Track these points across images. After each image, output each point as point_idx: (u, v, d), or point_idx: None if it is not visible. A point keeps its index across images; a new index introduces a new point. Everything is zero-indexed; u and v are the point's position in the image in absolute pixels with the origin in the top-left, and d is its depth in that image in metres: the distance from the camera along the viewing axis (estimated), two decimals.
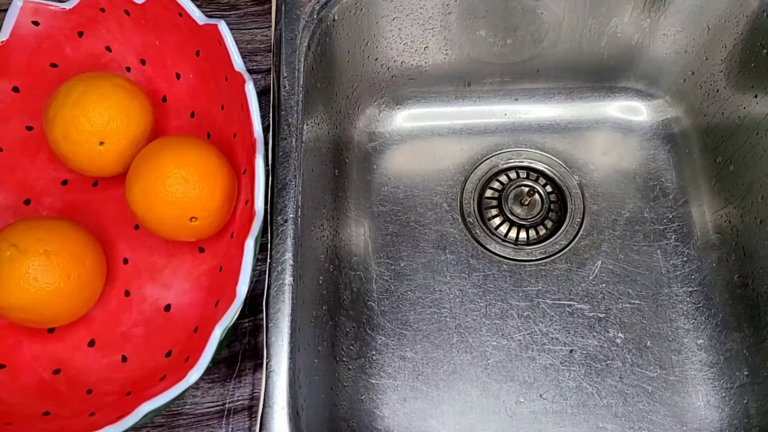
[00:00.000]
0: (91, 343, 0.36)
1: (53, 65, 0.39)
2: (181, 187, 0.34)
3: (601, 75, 0.55)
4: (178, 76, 0.40)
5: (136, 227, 0.39)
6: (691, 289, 0.49)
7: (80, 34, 0.39)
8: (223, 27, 0.36)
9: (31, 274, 0.32)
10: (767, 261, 0.46)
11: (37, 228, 0.34)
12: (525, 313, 0.49)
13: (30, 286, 0.32)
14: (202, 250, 0.38)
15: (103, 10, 0.38)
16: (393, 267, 0.50)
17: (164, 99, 0.41)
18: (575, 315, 0.49)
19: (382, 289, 0.50)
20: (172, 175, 0.34)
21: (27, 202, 0.38)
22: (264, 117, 0.39)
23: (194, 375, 0.30)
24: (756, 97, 0.47)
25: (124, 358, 0.35)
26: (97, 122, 0.35)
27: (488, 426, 0.46)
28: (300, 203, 0.39)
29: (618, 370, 0.47)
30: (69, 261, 0.33)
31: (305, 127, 0.42)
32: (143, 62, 0.40)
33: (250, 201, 0.34)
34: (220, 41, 0.36)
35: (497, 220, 0.52)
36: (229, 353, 0.37)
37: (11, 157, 0.38)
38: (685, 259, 0.50)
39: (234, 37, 0.36)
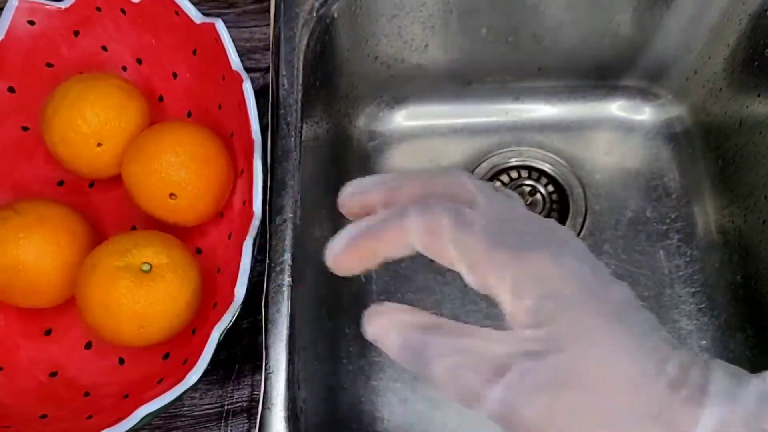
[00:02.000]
0: (88, 346, 0.36)
1: (49, 65, 0.38)
2: (171, 159, 0.34)
3: (603, 73, 0.54)
4: (174, 75, 0.40)
5: (133, 228, 0.38)
6: (693, 289, 0.49)
7: (76, 33, 0.39)
8: (220, 26, 0.35)
9: (21, 235, 0.32)
10: None
11: (40, 203, 0.35)
12: None
13: (17, 246, 0.32)
14: (199, 251, 0.38)
15: (99, 9, 0.38)
16: (393, 267, 0.50)
17: (161, 98, 0.40)
18: None
19: (382, 290, 0.49)
20: (168, 151, 0.34)
21: None
22: (262, 116, 0.39)
23: (192, 377, 0.30)
24: (759, 96, 0.46)
25: (121, 361, 0.35)
26: (94, 123, 0.35)
27: (489, 428, 0.45)
28: (299, 203, 0.39)
29: None
30: (60, 228, 0.34)
31: (304, 126, 0.42)
32: (139, 61, 0.40)
33: (248, 202, 0.34)
34: (217, 40, 0.36)
35: None
36: (227, 355, 0.37)
37: (7, 158, 0.38)
38: (688, 259, 0.50)
39: (232, 35, 0.36)
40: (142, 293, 0.31)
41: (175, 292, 0.32)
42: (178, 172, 0.34)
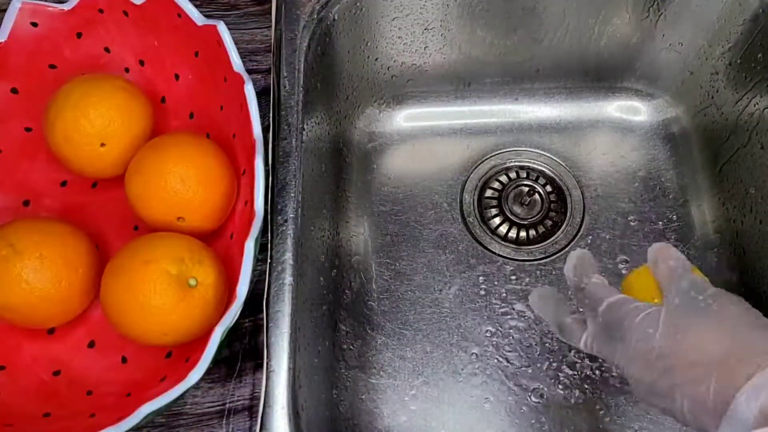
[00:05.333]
0: (91, 344, 0.36)
1: (52, 66, 0.39)
2: (177, 186, 0.34)
3: (601, 75, 0.55)
4: (177, 76, 0.40)
5: (136, 228, 0.39)
6: None
7: (79, 35, 0.39)
8: (221, 28, 0.36)
9: (23, 276, 0.32)
10: (767, 261, 0.46)
11: (35, 230, 0.34)
12: (525, 313, 0.49)
13: (20, 288, 0.32)
14: None
15: (101, 11, 0.38)
16: (393, 267, 0.50)
17: (163, 100, 0.41)
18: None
19: (382, 289, 0.50)
20: (171, 173, 0.34)
21: (26, 203, 0.38)
22: (264, 117, 0.39)
23: (195, 376, 0.30)
24: (755, 97, 0.47)
25: (124, 359, 0.35)
26: (98, 124, 0.35)
27: (488, 426, 0.46)
28: (300, 203, 0.39)
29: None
30: (62, 268, 0.33)
31: (305, 127, 0.42)
32: (142, 63, 0.40)
33: (250, 202, 0.34)
34: (219, 42, 0.36)
35: (497, 220, 0.52)
36: (229, 353, 0.37)
37: (10, 159, 0.38)
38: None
39: (234, 37, 0.36)
40: (182, 306, 0.32)
41: (211, 311, 0.33)
42: (185, 198, 0.34)
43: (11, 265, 0.32)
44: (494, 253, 0.51)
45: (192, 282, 0.32)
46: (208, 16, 0.37)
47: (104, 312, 0.33)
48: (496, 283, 0.50)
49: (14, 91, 0.38)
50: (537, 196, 0.52)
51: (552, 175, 0.53)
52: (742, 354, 0.26)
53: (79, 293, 0.34)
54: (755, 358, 0.25)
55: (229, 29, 0.36)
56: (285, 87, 0.42)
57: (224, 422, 0.35)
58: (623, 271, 0.50)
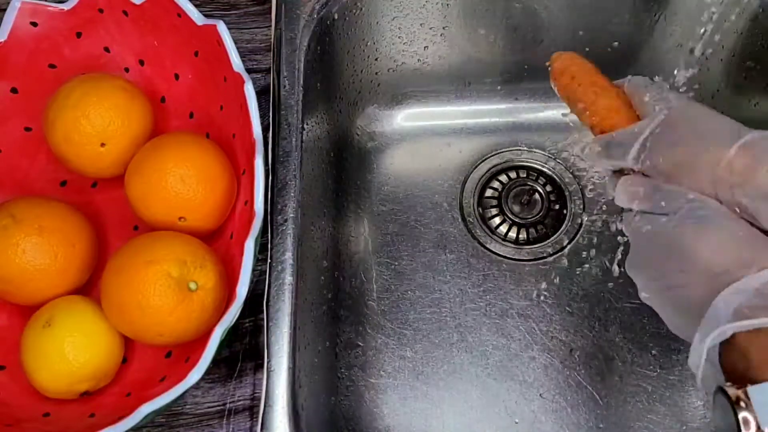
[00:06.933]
0: None
1: (52, 66, 0.39)
2: (177, 186, 0.34)
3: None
4: (176, 76, 0.40)
5: (136, 228, 0.39)
6: None
7: (78, 34, 0.39)
8: (221, 27, 0.36)
9: (20, 246, 0.33)
10: None
11: (37, 205, 0.35)
12: (525, 313, 0.49)
13: (17, 257, 0.33)
14: None
15: (101, 10, 0.38)
16: (393, 266, 0.50)
17: (163, 99, 0.40)
18: (575, 314, 0.49)
19: (382, 289, 0.50)
20: (171, 173, 0.34)
21: None
22: (264, 116, 0.39)
23: (194, 376, 0.30)
24: (755, 97, 0.47)
25: (124, 359, 0.35)
26: (98, 124, 0.35)
27: (488, 426, 0.46)
28: (300, 203, 0.39)
29: (618, 370, 0.47)
30: (60, 241, 0.34)
31: (305, 126, 0.42)
32: (142, 63, 0.40)
33: (250, 202, 0.34)
34: (219, 42, 0.36)
35: (497, 220, 0.52)
36: (229, 353, 0.37)
37: (10, 158, 0.38)
38: None
39: (234, 37, 0.36)
40: (180, 309, 0.32)
41: (208, 316, 0.33)
42: (186, 198, 0.34)
43: (10, 233, 0.33)
44: (494, 252, 0.51)
45: (192, 286, 0.32)
46: (208, 16, 0.37)
47: (103, 308, 0.33)
48: (496, 282, 0.50)
49: (14, 90, 0.38)
50: (537, 196, 0.52)
51: (552, 175, 0.53)
52: (728, 264, 0.26)
53: (74, 268, 0.34)
54: (741, 270, 0.26)
55: (229, 29, 0.36)
56: (285, 86, 0.42)
57: (225, 422, 0.35)
58: (624, 271, 0.50)
